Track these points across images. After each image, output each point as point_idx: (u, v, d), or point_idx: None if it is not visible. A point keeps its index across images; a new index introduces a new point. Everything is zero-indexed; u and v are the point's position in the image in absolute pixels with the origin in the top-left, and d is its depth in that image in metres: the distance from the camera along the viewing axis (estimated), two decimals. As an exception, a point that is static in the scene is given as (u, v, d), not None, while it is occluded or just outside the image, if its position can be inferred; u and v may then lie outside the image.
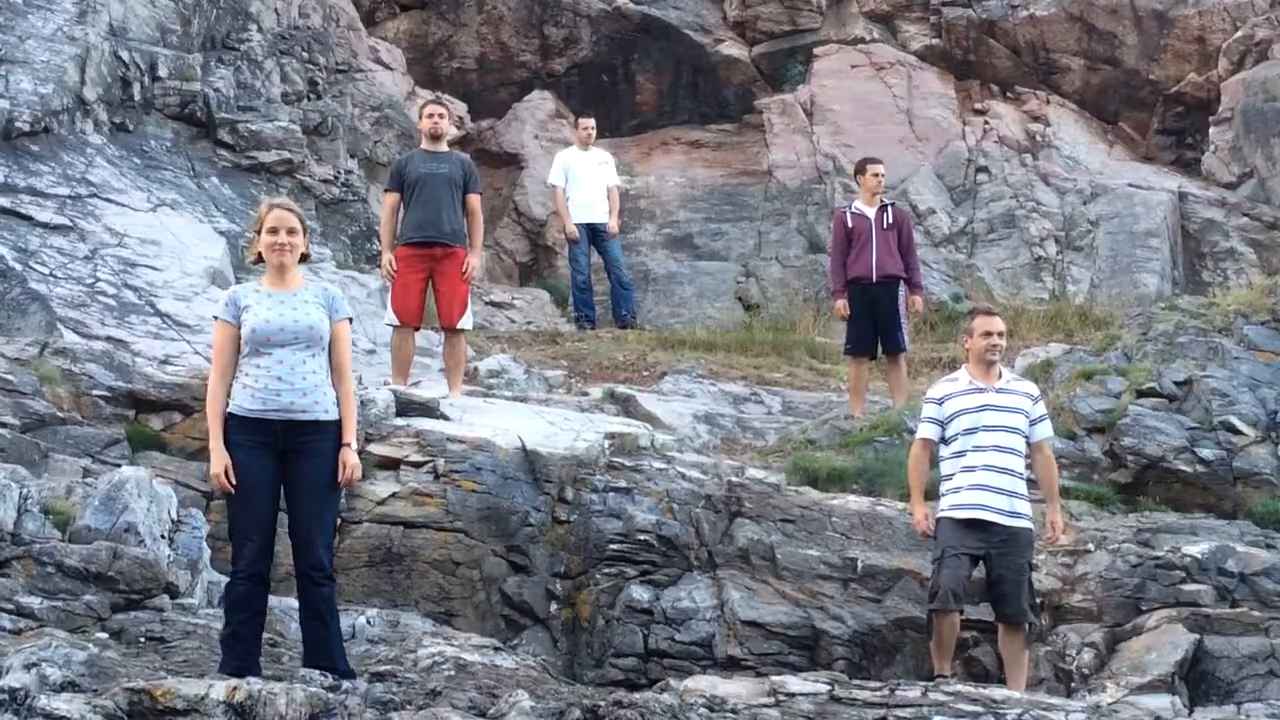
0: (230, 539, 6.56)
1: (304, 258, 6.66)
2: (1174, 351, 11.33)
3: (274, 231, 6.52)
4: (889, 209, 12.16)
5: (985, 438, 8.28)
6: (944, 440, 8.46)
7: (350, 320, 6.68)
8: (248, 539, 6.39)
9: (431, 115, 11.04)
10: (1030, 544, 8.40)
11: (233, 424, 6.45)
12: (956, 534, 8.23)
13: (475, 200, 10.91)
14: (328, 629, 6.51)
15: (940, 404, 8.49)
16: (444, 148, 11.05)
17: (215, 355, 6.57)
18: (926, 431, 8.53)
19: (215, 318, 6.60)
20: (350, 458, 6.47)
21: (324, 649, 6.50)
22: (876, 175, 12.21)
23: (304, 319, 6.47)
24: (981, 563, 8.28)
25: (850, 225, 12.05)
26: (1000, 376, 8.52)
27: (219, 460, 6.37)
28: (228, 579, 6.66)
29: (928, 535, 8.44)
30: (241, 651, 6.35)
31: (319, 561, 6.42)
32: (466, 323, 10.88)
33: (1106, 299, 16.86)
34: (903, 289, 12.09)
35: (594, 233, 15.44)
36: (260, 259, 6.64)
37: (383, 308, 11.91)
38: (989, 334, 8.42)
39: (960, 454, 8.34)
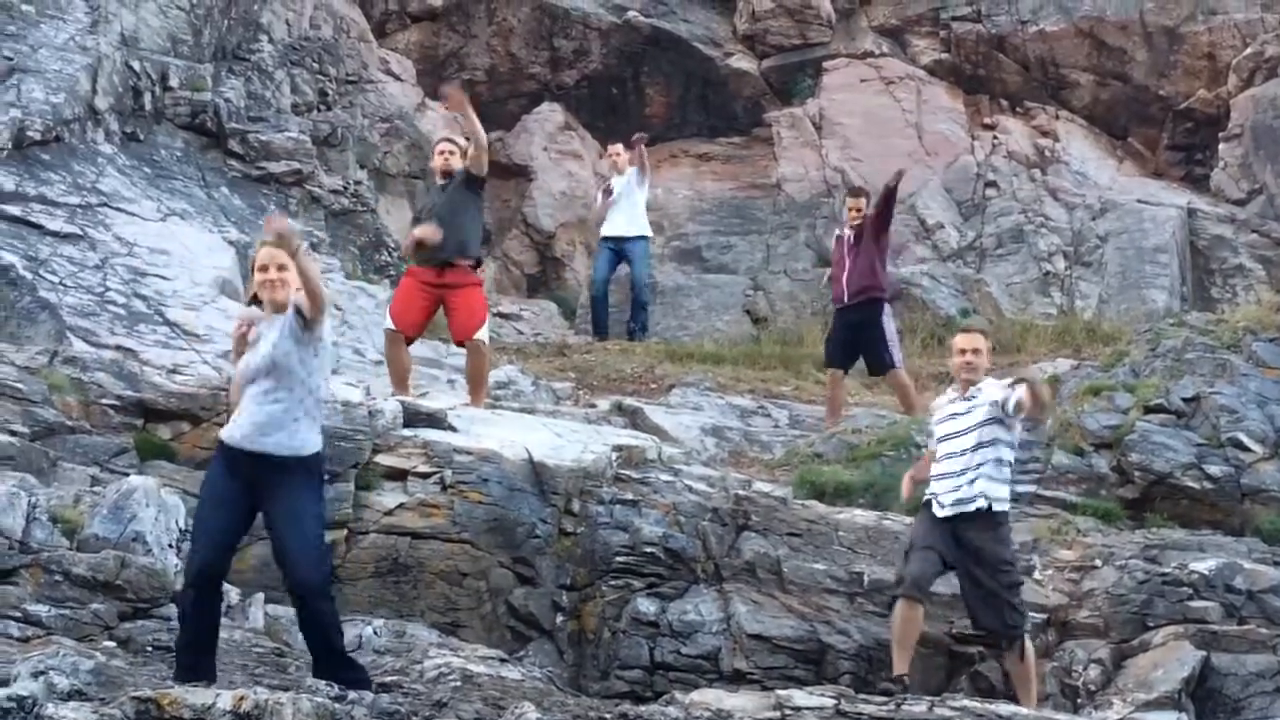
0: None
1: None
2: (1182, 368, 11.31)
3: (264, 269, 6.51)
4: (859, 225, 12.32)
5: (944, 446, 8.39)
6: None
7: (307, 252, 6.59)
8: (196, 546, 6.45)
9: (442, 152, 10.92)
10: (999, 540, 8.33)
11: (218, 448, 6.54)
12: (926, 527, 8.31)
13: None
14: (323, 645, 6.51)
15: (933, 417, 8.71)
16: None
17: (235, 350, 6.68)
18: (930, 443, 8.76)
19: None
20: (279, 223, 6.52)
21: (322, 665, 6.51)
22: (857, 210, 12.36)
23: (261, 350, 6.46)
24: (955, 577, 8.31)
25: (832, 249, 12.35)
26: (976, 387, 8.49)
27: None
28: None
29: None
30: (194, 661, 6.34)
31: (303, 581, 6.42)
32: (483, 334, 10.76)
33: (1115, 315, 16.87)
34: (886, 308, 12.27)
35: (621, 250, 15.39)
36: (257, 299, 6.63)
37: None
38: (962, 351, 8.47)
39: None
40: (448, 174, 10.79)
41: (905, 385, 12.28)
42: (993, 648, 8.58)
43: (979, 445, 8.32)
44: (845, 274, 12.25)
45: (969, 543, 8.27)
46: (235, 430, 6.46)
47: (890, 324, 12.37)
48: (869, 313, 12.20)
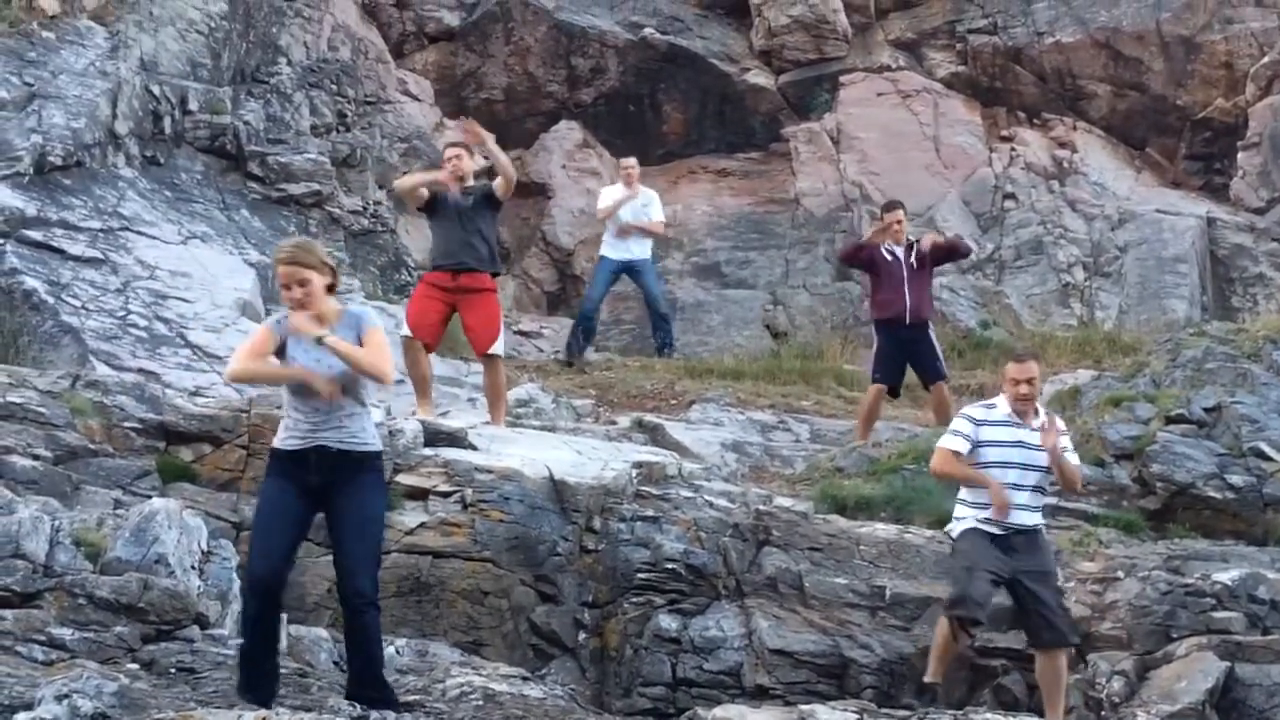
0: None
1: (331, 288, 6.56)
2: (1203, 378, 11.29)
3: (286, 288, 6.47)
4: (915, 246, 12.21)
5: (1016, 476, 8.29)
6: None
7: (379, 328, 6.56)
8: (256, 558, 6.45)
9: (449, 159, 10.88)
10: (1052, 554, 8.44)
11: (273, 458, 6.52)
12: (983, 550, 8.23)
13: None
14: (366, 659, 6.52)
15: (977, 425, 8.43)
16: (471, 182, 10.95)
17: (251, 348, 6.50)
18: (955, 444, 8.41)
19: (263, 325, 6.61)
20: (303, 322, 6.34)
21: (358, 681, 6.51)
22: (899, 223, 12.27)
23: (337, 363, 6.44)
24: (1008, 590, 8.27)
25: (877, 260, 12.12)
26: (1036, 414, 8.50)
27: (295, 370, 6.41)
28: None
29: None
30: (253, 673, 6.37)
31: (358, 589, 6.43)
32: (499, 348, 10.74)
33: (1135, 325, 16.83)
34: (931, 327, 12.28)
35: (629, 269, 15.35)
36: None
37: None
38: (1016, 381, 8.39)
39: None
40: (461, 178, 10.77)
41: (948, 399, 12.23)
42: (1018, 660, 8.57)
43: (1048, 471, 8.35)
44: (907, 293, 12.03)
45: (1030, 559, 8.24)
46: (303, 433, 6.40)
47: (936, 341, 12.46)
48: (924, 330, 12.22)
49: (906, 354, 12.15)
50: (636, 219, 15.12)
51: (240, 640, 6.55)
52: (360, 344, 6.42)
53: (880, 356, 12.21)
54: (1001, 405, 8.50)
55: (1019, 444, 8.33)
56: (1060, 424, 8.65)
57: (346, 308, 6.64)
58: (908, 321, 12.03)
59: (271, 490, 6.48)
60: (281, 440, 6.51)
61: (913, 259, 12.09)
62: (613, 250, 15.22)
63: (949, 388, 12.48)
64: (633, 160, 15.59)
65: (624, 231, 15.07)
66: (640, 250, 15.25)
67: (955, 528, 8.47)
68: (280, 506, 6.43)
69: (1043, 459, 8.33)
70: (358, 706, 6.40)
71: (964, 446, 8.41)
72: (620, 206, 15.11)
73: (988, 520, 8.26)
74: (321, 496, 6.43)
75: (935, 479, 8.95)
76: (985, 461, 8.34)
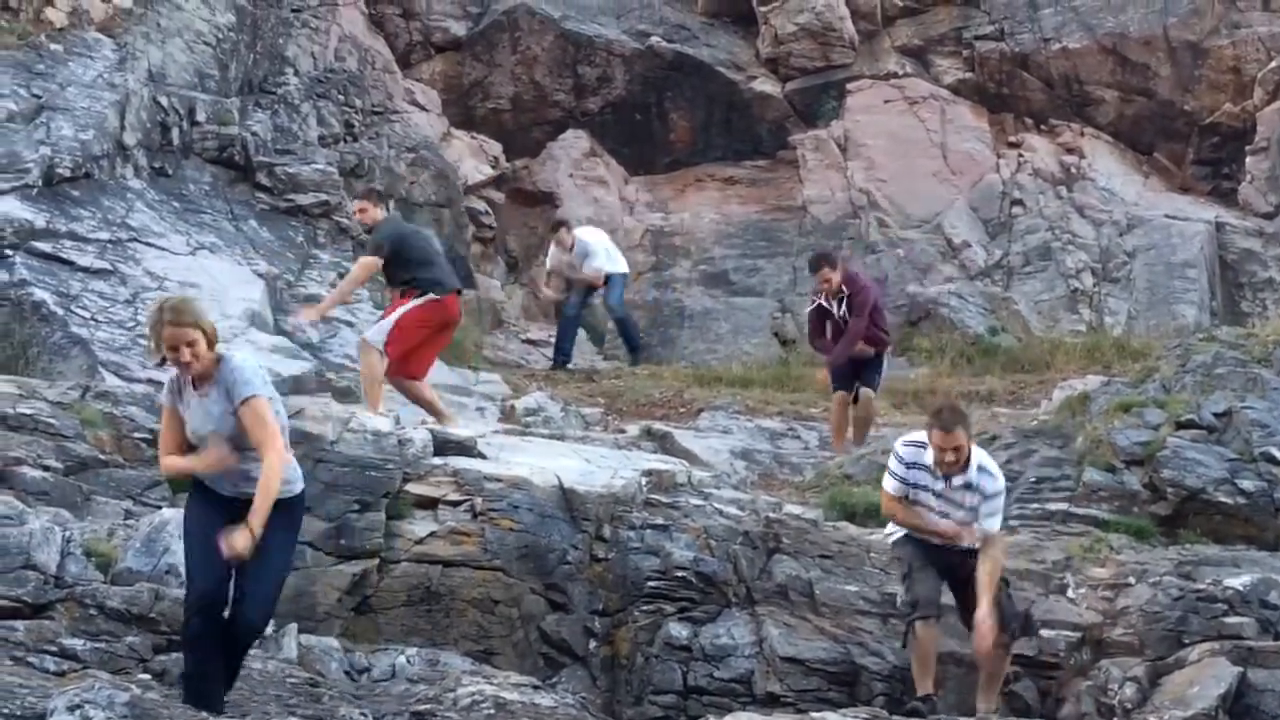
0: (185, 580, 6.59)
1: (210, 343, 6.45)
2: (1213, 383, 11.26)
3: (174, 349, 6.38)
4: (844, 300, 12.37)
5: (932, 515, 8.20)
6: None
7: (254, 397, 6.41)
8: (197, 575, 6.42)
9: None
10: None
11: (195, 481, 6.54)
12: (921, 549, 8.22)
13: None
14: (236, 667, 6.58)
15: (907, 468, 8.24)
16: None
17: (165, 440, 6.58)
18: (892, 487, 8.28)
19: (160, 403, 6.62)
20: (238, 540, 6.25)
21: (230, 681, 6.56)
22: (827, 280, 12.35)
23: (211, 424, 6.42)
24: (948, 578, 8.24)
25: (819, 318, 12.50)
26: (965, 470, 8.19)
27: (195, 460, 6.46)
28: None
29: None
30: (201, 691, 6.35)
31: (250, 620, 6.45)
32: (372, 335, 10.75)
33: (1144, 330, 16.82)
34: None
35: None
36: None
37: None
38: (942, 449, 8.07)
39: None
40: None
41: (873, 413, 12.47)
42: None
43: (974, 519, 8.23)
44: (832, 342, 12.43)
45: (959, 555, 8.20)
46: (211, 482, 6.47)
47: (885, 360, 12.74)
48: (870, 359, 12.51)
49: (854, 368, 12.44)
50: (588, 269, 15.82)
51: (185, 665, 6.47)
52: (230, 404, 6.37)
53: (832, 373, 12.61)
54: (930, 453, 8.22)
55: (941, 496, 8.24)
56: (989, 485, 8.24)
57: (225, 359, 6.49)
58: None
59: (198, 510, 6.48)
60: (203, 475, 6.50)
61: (844, 312, 12.31)
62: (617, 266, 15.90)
63: (950, 394, 12.54)
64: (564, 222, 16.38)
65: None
66: (612, 265, 15.92)
67: (893, 534, 8.46)
68: (205, 524, 6.39)
69: (967, 508, 8.16)
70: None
71: (900, 490, 8.28)
72: (562, 265, 15.99)
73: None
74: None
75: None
76: (916, 501, 8.26)
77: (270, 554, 6.39)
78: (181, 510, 7.89)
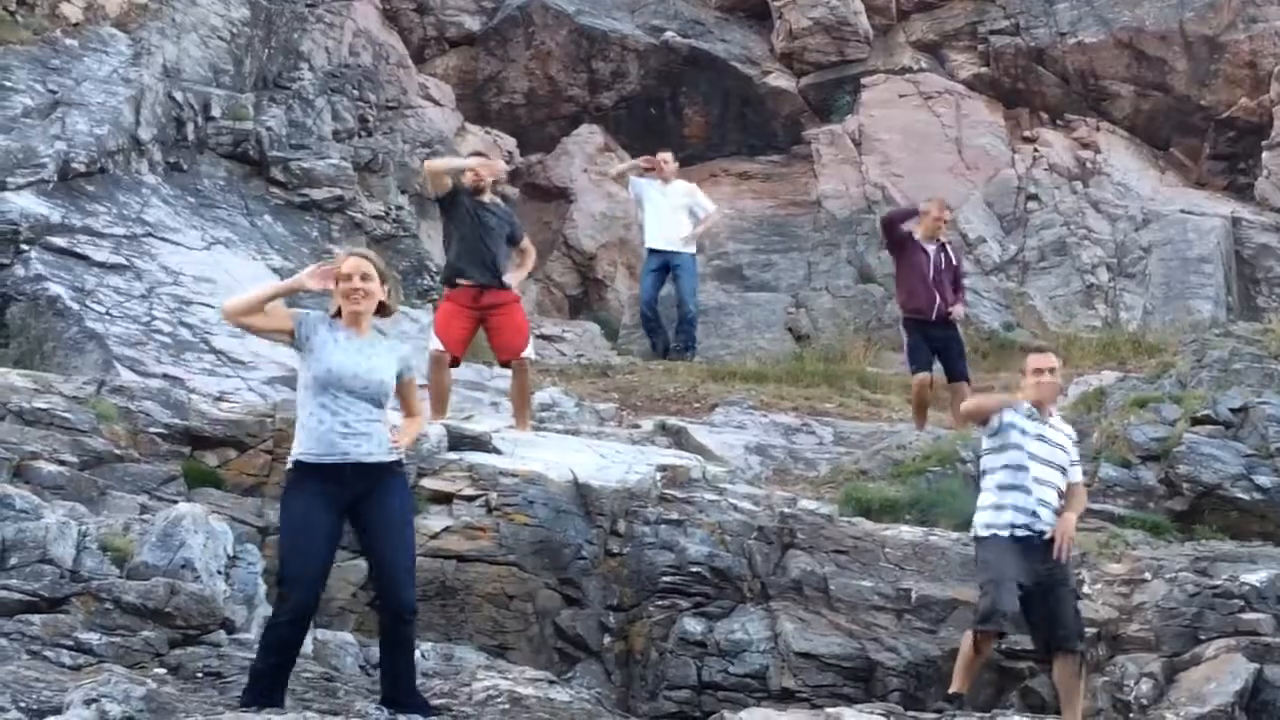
0: (278, 579, 6.47)
1: (384, 309, 6.51)
2: (1229, 378, 11.24)
3: (348, 278, 6.39)
4: (946, 248, 12.38)
5: (1037, 469, 8.21)
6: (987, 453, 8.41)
7: (414, 378, 6.65)
8: (297, 583, 6.30)
9: (474, 168, 10.99)
10: (1071, 566, 8.35)
11: (298, 471, 6.40)
12: (1009, 559, 8.11)
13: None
14: (407, 667, 6.51)
15: (1013, 428, 8.31)
16: (488, 197, 10.91)
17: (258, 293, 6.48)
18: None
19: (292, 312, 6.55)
20: (404, 437, 6.58)
21: (403, 683, 6.49)
22: (945, 212, 12.43)
23: (378, 373, 6.41)
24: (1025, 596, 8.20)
25: (910, 249, 12.26)
26: (1052, 414, 8.46)
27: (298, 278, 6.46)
28: (269, 618, 6.63)
29: None
30: (271, 687, 6.34)
31: (407, 603, 6.39)
32: (530, 352, 10.73)
33: (1160, 326, 16.76)
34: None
35: (668, 264, 15.41)
36: (340, 313, 6.48)
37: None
38: (1038, 370, 8.41)
39: (1010, 475, 8.28)
40: (480, 190, 10.70)
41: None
42: (1044, 663, 8.52)
43: (1065, 472, 8.30)
44: (934, 290, 12.27)
45: (1050, 561, 8.13)
46: (329, 442, 6.32)
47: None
48: (952, 327, 12.44)
49: (935, 347, 12.25)
50: (671, 210, 15.24)
51: (260, 659, 6.41)
52: (401, 382, 6.54)
53: (910, 349, 12.46)
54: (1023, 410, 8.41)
55: (1040, 437, 8.26)
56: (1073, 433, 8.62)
57: (393, 340, 6.62)
58: (933, 318, 12.16)
59: (299, 507, 6.33)
60: (306, 451, 6.39)
61: (940, 260, 12.23)
62: (650, 239, 15.38)
63: (971, 389, 12.44)
64: (669, 155, 15.68)
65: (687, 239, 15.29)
66: (679, 242, 15.30)
67: (979, 530, 8.34)
68: (312, 525, 6.30)
69: (1061, 457, 8.29)
70: (385, 711, 6.40)
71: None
72: (633, 171, 15.62)
73: (1012, 525, 8.16)
74: (350, 507, 6.38)
75: (965, 421, 9.19)
76: (1010, 444, 8.26)
77: (406, 527, 6.44)
78: (196, 507, 7.93)
